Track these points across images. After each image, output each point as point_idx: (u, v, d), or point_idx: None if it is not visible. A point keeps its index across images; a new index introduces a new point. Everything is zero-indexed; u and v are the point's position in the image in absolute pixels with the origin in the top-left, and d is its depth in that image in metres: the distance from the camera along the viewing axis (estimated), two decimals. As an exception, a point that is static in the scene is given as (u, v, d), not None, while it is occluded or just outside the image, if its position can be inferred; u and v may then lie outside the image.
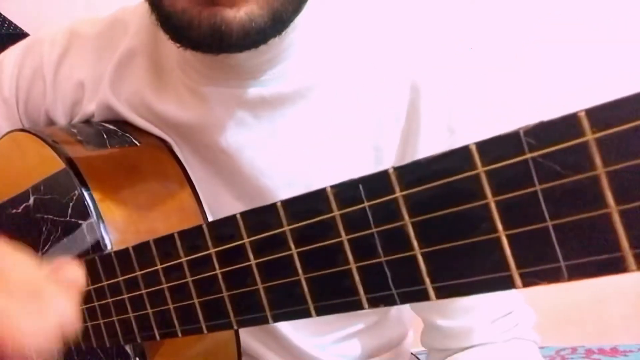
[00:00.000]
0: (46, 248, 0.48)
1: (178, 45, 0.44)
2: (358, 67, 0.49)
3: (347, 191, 0.27)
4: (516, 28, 1.29)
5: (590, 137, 0.20)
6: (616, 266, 0.20)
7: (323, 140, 0.50)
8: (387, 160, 0.50)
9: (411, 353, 0.64)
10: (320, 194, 0.28)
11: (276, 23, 0.42)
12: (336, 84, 0.49)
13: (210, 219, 0.50)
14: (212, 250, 0.33)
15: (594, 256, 0.21)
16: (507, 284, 0.23)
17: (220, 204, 0.52)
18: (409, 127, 0.49)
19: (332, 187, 0.27)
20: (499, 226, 0.23)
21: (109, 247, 0.42)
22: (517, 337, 0.51)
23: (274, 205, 0.30)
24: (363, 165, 0.50)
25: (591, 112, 0.20)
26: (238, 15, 0.40)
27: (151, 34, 0.53)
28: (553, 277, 0.22)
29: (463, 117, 0.49)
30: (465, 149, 0.23)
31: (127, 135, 0.51)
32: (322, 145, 0.50)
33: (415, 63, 0.49)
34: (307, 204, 0.28)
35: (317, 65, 0.49)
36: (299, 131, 0.49)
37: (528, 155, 0.21)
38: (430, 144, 0.49)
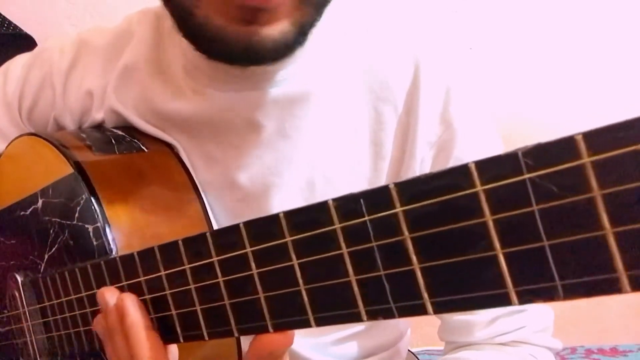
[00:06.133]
0: (53, 250, 0.49)
1: (206, 56, 0.44)
2: (360, 65, 0.51)
3: (348, 204, 0.27)
4: (515, 28, 1.29)
5: (586, 160, 0.20)
6: (611, 287, 0.21)
7: (327, 139, 0.51)
8: (386, 155, 0.50)
9: (411, 352, 0.65)
10: (322, 206, 0.28)
11: (302, 36, 0.43)
12: (339, 83, 0.50)
13: (213, 223, 0.51)
14: (215, 259, 0.34)
15: (590, 276, 0.21)
16: (503, 301, 0.23)
17: (223, 207, 0.52)
18: (408, 121, 0.50)
19: (334, 200, 0.28)
20: (497, 244, 0.23)
21: (114, 251, 0.43)
22: (520, 340, 0.50)
23: (276, 215, 0.30)
24: (363, 162, 0.51)
25: (588, 136, 0.20)
26: (272, 33, 0.41)
27: (154, 40, 0.54)
28: (548, 295, 0.22)
29: (459, 112, 0.50)
30: (464, 167, 0.23)
31: (135, 141, 0.51)
32: (326, 143, 0.51)
33: (416, 60, 0.50)
34: (309, 216, 0.29)
35: (323, 65, 0.50)
36: (305, 130, 0.50)
37: (526, 176, 0.22)
38: (427, 137, 0.50)
